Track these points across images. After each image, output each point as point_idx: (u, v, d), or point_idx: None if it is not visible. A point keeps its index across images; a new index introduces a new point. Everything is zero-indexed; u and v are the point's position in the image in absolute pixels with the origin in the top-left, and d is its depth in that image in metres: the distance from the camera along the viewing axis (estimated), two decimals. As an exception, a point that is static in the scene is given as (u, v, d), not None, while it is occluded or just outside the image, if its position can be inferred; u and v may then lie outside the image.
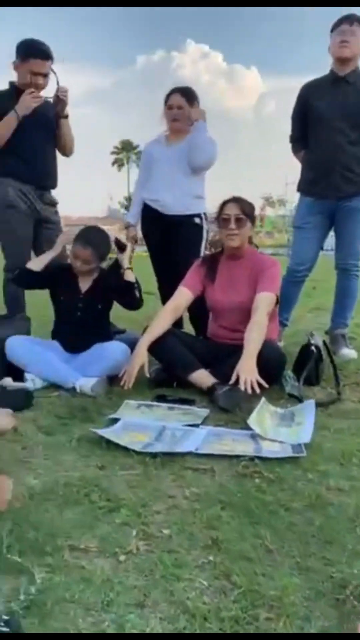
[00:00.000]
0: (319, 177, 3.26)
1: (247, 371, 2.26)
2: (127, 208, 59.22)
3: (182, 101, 3.22)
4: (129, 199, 60.16)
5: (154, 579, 1.20)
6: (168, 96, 3.27)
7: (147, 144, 3.39)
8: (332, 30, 3.15)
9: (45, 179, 3.26)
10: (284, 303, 3.33)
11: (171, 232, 3.20)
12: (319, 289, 6.22)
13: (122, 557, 1.27)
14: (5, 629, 1.00)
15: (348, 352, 3.28)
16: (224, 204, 2.74)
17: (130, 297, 2.81)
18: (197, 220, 3.21)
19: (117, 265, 2.87)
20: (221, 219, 2.69)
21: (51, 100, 3.16)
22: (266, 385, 2.28)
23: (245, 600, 1.12)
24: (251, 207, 2.74)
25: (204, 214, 3.27)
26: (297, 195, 3.47)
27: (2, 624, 1.00)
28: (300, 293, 3.50)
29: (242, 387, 2.23)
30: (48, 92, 3.13)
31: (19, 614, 1.07)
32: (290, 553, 1.30)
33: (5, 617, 1.02)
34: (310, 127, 3.30)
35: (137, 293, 2.81)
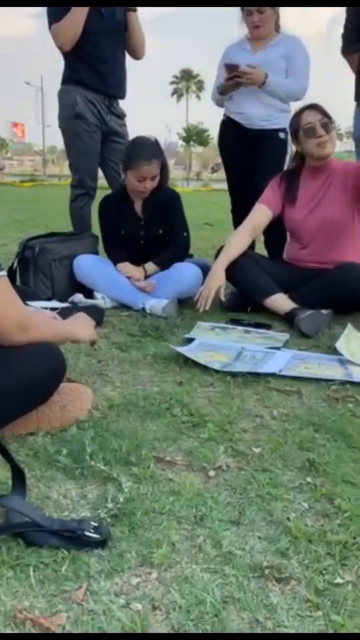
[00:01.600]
0: None
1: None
2: (185, 139, 57.53)
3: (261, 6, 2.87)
4: (188, 130, 58.39)
5: (248, 497, 1.10)
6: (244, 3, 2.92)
7: (228, 48, 3.06)
8: None
9: (116, 87, 3.05)
10: None
11: (254, 146, 2.94)
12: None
13: (211, 473, 1.17)
14: (95, 536, 0.93)
15: None
16: (299, 113, 2.47)
17: None
18: (282, 135, 2.93)
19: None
20: (304, 129, 2.42)
21: None
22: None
23: (354, 525, 1.01)
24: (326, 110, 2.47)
25: (289, 128, 2.99)
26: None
27: (92, 530, 0.93)
28: None
29: None
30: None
31: (108, 522, 1.00)
32: None
33: (94, 524, 0.95)
34: None
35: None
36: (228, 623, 0.79)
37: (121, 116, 3.15)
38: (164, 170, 2.61)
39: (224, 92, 2.96)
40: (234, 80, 2.82)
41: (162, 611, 0.82)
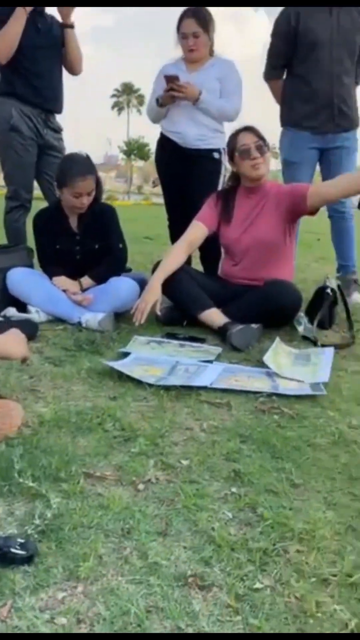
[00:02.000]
0: (314, 109, 3.05)
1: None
2: (126, 153, 57.70)
3: (197, 28, 2.97)
4: (128, 144, 58.62)
5: (175, 508, 1.13)
6: (180, 21, 3.01)
7: (164, 66, 3.13)
8: None
9: (52, 102, 3.06)
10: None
11: (189, 166, 3.01)
12: (324, 241, 6.10)
13: (140, 486, 1.20)
14: (21, 552, 0.93)
15: (358, 297, 3.19)
16: (236, 135, 2.57)
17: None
18: (216, 155, 3.02)
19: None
20: (240, 150, 2.52)
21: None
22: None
23: (274, 533, 1.06)
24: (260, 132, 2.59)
25: (223, 149, 3.09)
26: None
27: (18, 547, 0.94)
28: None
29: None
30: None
31: (35, 538, 1.00)
32: (317, 488, 1.24)
33: (20, 540, 0.95)
34: (300, 53, 3.03)
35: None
36: (151, 629, 0.82)
37: (58, 130, 3.15)
38: (98, 184, 2.63)
39: (162, 105, 3.02)
40: (170, 92, 2.90)
41: (86, 624, 0.83)
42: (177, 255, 2.55)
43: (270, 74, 3.23)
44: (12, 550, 0.93)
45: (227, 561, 0.98)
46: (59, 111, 3.14)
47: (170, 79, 2.88)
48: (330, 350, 2.19)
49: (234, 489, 1.21)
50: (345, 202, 3.12)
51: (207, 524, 1.08)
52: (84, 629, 0.82)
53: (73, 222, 2.67)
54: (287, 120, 3.20)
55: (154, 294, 2.41)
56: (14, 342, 1.47)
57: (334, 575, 0.96)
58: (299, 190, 2.49)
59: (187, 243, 2.59)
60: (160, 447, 1.38)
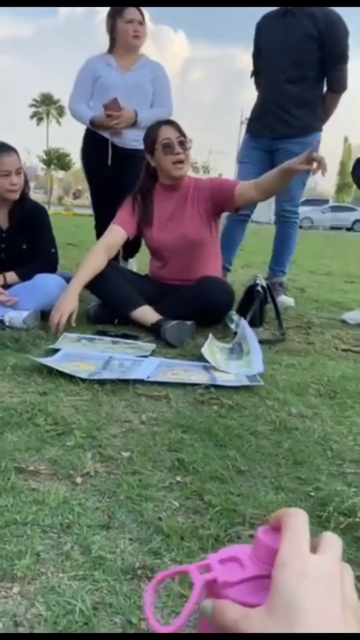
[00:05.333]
0: (257, 115, 3.18)
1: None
2: (46, 163, 56.47)
3: (141, 18, 2.95)
4: (48, 153, 57.45)
5: (117, 500, 1.05)
6: (121, 10, 2.95)
7: (91, 60, 3.06)
8: None
9: None
10: (228, 244, 3.24)
11: (121, 164, 2.95)
12: (247, 249, 6.25)
13: (78, 479, 1.10)
14: None
15: (286, 299, 3.25)
16: (157, 127, 2.45)
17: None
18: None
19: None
20: (162, 143, 2.42)
21: None
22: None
23: (224, 519, 1.00)
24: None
25: None
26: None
27: None
28: (244, 236, 3.42)
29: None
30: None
31: None
32: (263, 474, 1.20)
33: None
34: (258, 62, 3.18)
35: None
36: (99, 629, 0.73)
37: None
38: (25, 180, 2.51)
39: (96, 126, 2.97)
40: (108, 121, 2.85)
41: (25, 627, 0.73)
42: (94, 260, 2.41)
43: (256, 83, 3.31)
44: None
45: (178, 550, 0.91)
46: None
47: (109, 107, 2.83)
48: (244, 325, 2.19)
49: (178, 478, 1.14)
50: (295, 204, 3.20)
51: (153, 514, 1.01)
52: (22, 632, 0.72)
53: (1, 217, 2.52)
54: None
55: (69, 304, 2.23)
56: None
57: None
58: (229, 187, 2.47)
59: (105, 247, 2.46)
60: (97, 439, 1.29)
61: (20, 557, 0.85)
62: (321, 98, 3.11)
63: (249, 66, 3.30)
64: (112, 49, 3.04)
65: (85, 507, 1.01)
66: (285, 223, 3.29)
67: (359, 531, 1.00)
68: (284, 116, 3.09)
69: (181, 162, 2.44)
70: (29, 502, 1.01)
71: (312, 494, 1.13)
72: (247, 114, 3.36)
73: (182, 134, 2.45)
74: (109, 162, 3.00)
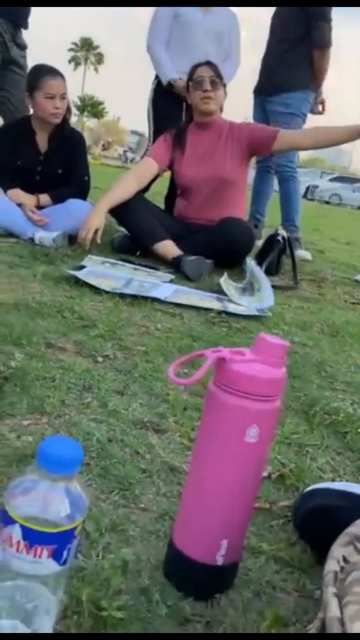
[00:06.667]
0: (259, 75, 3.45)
1: None
2: (80, 109, 55.64)
3: None
4: (83, 100, 56.44)
5: (132, 377, 1.20)
6: None
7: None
8: None
9: (22, 16, 2.96)
10: (258, 196, 3.35)
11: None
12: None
13: (99, 359, 1.26)
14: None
15: (303, 253, 3.36)
16: (195, 67, 2.58)
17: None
18: None
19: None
20: (194, 81, 2.54)
21: None
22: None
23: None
24: (222, 74, 2.61)
25: None
26: None
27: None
28: (272, 188, 3.52)
29: None
30: None
31: (-1, 382, 1.04)
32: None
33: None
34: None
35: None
36: (112, 452, 0.88)
37: (23, 47, 3.06)
38: (67, 106, 2.60)
39: (172, 89, 2.96)
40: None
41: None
42: (125, 187, 2.51)
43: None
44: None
45: (180, 416, 1.06)
46: (26, 27, 3.04)
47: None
48: (251, 264, 2.33)
49: (186, 370, 1.29)
50: (294, 160, 3.30)
51: (162, 390, 1.16)
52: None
53: (41, 140, 2.63)
54: None
55: (96, 220, 2.34)
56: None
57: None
58: (269, 132, 2.57)
59: (137, 177, 2.57)
60: (117, 334, 1.43)
61: (49, 399, 1.00)
62: (305, 58, 3.23)
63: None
64: None
65: (104, 377, 1.16)
66: (284, 179, 3.43)
67: (339, 427, 1.14)
68: (269, 74, 3.33)
69: (209, 97, 2.52)
70: (57, 367, 1.16)
71: (302, 398, 1.27)
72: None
73: (217, 74, 2.53)
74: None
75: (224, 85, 2.58)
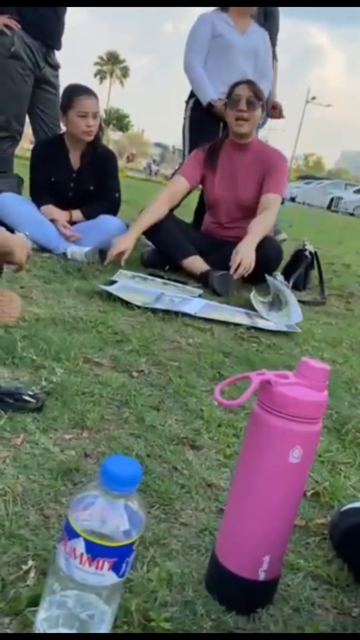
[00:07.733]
0: None
1: (245, 253, 2.28)
2: (105, 122, 56.43)
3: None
4: (108, 113, 57.28)
5: (167, 392, 1.23)
6: None
7: (207, 15, 3.04)
8: None
9: (54, 37, 3.05)
10: None
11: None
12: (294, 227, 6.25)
13: (134, 374, 1.29)
14: (32, 400, 1.01)
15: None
16: (235, 85, 2.58)
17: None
18: None
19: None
20: (231, 99, 2.55)
21: None
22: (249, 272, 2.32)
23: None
24: (262, 93, 2.63)
25: None
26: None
27: (29, 395, 1.01)
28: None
29: (234, 266, 2.25)
30: None
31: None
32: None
33: (30, 392, 1.03)
34: None
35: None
36: (152, 467, 0.91)
37: (55, 67, 3.15)
38: (99, 124, 2.67)
39: (212, 110, 2.96)
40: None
41: (92, 458, 0.92)
42: (158, 207, 2.57)
43: None
44: (24, 396, 1.00)
45: (215, 433, 1.09)
46: (59, 47, 3.14)
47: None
48: (273, 279, 2.35)
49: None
50: None
51: (196, 406, 1.18)
52: (91, 463, 0.91)
53: (74, 157, 2.70)
54: None
55: (125, 243, 2.39)
56: (19, 244, 1.51)
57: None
58: (270, 186, 2.57)
59: (168, 197, 2.63)
60: (150, 349, 1.47)
61: (89, 414, 1.04)
62: None
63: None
64: (225, 8, 3.03)
65: (140, 393, 1.19)
66: None
67: (372, 445, 1.15)
68: None
69: (243, 119, 2.54)
70: (95, 382, 1.20)
71: (335, 416, 1.29)
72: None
73: (256, 94, 2.55)
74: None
75: (262, 107, 2.60)
